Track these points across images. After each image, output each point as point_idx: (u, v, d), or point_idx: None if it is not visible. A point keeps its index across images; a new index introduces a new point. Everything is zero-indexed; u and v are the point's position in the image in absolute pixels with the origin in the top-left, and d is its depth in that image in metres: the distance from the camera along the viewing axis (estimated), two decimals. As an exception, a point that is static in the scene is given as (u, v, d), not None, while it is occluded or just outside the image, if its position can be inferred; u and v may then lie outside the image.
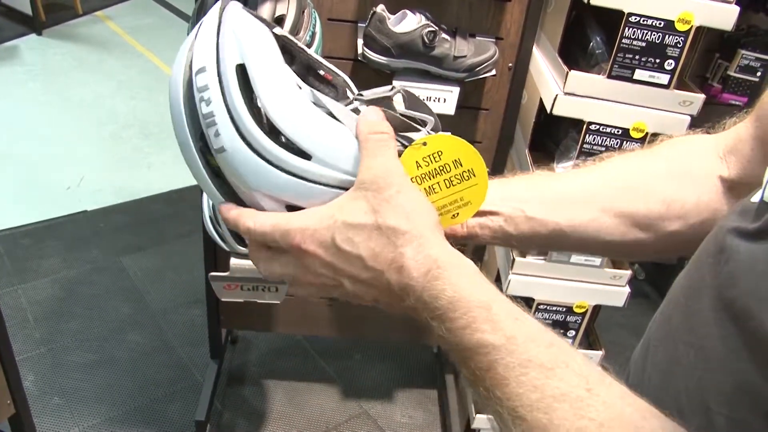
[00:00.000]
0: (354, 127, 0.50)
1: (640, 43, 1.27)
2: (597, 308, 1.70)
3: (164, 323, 2.34)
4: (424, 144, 0.52)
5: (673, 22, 1.24)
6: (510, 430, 0.43)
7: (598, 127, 1.37)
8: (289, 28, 1.02)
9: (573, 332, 1.66)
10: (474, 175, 0.53)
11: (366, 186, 0.48)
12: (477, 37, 1.46)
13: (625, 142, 1.38)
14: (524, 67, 1.50)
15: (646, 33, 1.26)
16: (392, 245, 0.47)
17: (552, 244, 0.68)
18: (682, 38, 1.26)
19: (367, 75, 1.49)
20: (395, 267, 0.47)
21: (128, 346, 2.23)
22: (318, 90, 0.57)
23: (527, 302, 1.60)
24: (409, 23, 1.37)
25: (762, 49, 1.73)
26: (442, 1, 1.46)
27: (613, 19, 1.26)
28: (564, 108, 1.36)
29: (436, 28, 1.36)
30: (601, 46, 1.38)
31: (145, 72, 4.12)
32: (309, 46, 1.08)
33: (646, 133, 1.37)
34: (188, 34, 0.53)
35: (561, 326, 1.64)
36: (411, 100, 0.56)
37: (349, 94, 0.56)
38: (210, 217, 1.25)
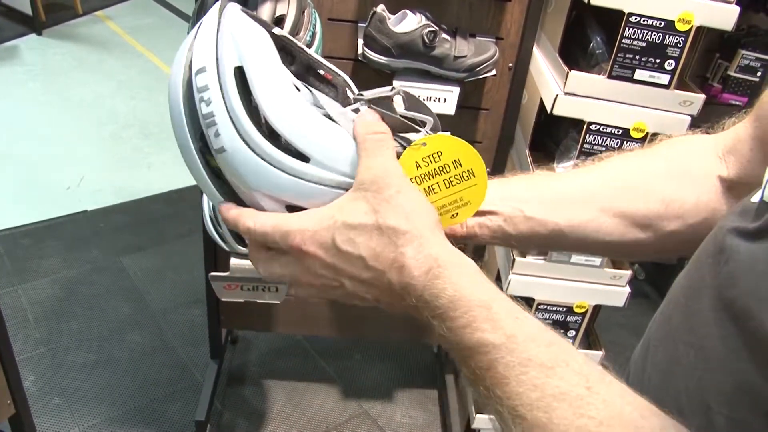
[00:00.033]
0: (351, 129, 0.51)
1: (640, 43, 1.27)
2: (597, 308, 1.70)
3: (164, 323, 2.34)
4: (424, 144, 0.52)
5: (674, 22, 1.24)
6: (510, 429, 0.43)
7: (598, 127, 1.37)
8: (290, 28, 1.02)
9: (573, 332, 1.66)
10: (473, 176, 0.54)
11: (366, 187, 0.48)
12: (477, 37, 1.46)
13: (625, 142, 1.38)
14: (524, 67, 1.50)
15: (647, 33, 1.26)
16: (393, 245, 0.47)
17: (551, 244, 0.68)
18: (683, 38, 1.26)
19: (368, 75, 1.49)
20: (396, 267, 0.47)
21: (128, 346, 2.23)
22: (318, 90, 0.57)
23: (527, 302, 1.60)
24: (409, 23, 1.37)
25: (762, 49, 1.73)
26: (442, 1, 1.46)
27: (614, 19, 1.26)
28: (564, 108, 1.36)
29: (437, 28, 1.36)
30: (602, 46, 1.38)
31: (145, 72, 4.12)
32: (309, 46, 1.08)
33: (647, 133, 1.37)
34: (188, 35, 0.53)
35: (561, 326, 1.64)
36: (410, 101, 0.56)
37: (349, 93, 0.56)
38: (210, 217, 1.25)
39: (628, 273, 1.56)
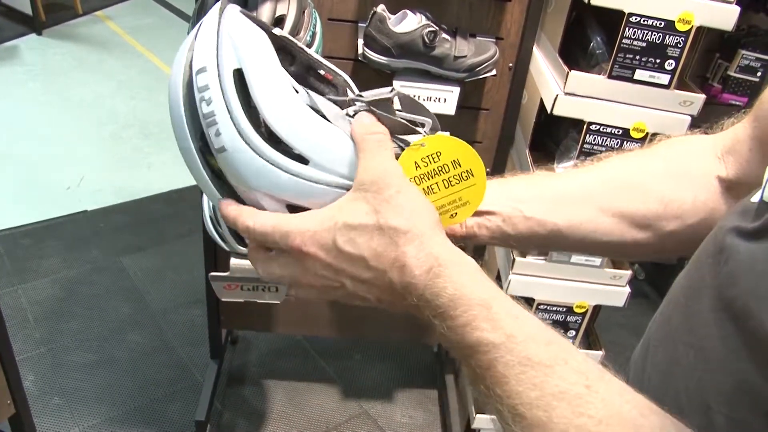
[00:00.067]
0: (350, 131, 0.51)
1: (640, 43, 1.27)
2: (597, 308, 1.70)
3: (164, 323, 2.34)
4: (423, 145, 0.52)
5: (674, 22, 1.24)
6: (510, 428, 0.44)
7: (598, 127, 1.37)
8: (290, 29, 1.02)
9: (573, 332, 1.66)
10: (472, 175, 0.54)
11: (366, 187, 0.48)
12: (477, 37, 1.46)
13: (625, 142, 1.38)
14: (524, 67, 1.50)
15: (647, 33, 1.26)
16: (394, 244, 0.47)
17: (550, 244, 0.68)
18: (683, 38, 1.26)
19: (368, 75, 1.49)
20: (398, 266, 0.47)
21: (128, 346, 2.23)
22: (318, 90, 0.57)
23: (527, 302, 1.60)
24: (409, 23, 1.37)
25: (762, 49, 1.73)
26: (442, 1, 1.46)
27: (614, 19, 1.26)
28: (564, 108, 1.36)
29: (437, 28, 1.36)
30: (602, 46, 1.38)
31: (145, 72, 4.12)
32: (309, 46, 1.08)
33: (647, 134, 1.37)
34: (188, 35, 0.53)
35: (561, 326, 1.64)
36: (409, 103, 0.56)
37: (349, 93, 0.56)
38: (210, 217, 1.25)
39: (628, 273, 1.56)
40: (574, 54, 1.43)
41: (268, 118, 0.48)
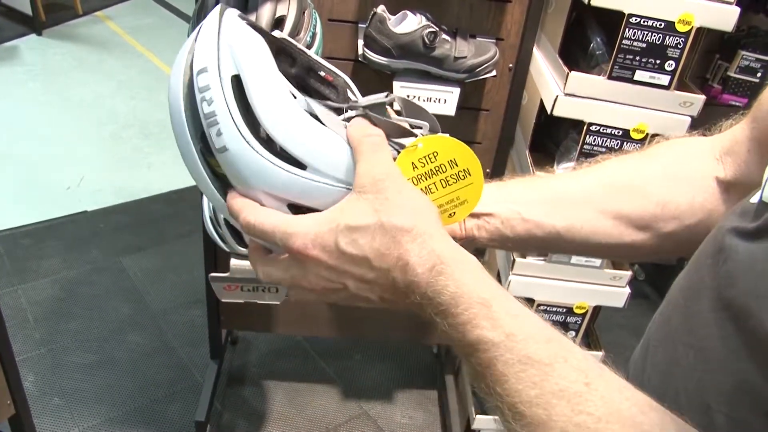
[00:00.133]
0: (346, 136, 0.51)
1: (640, 44, 1.27)
2: (597, 309, 1.70)
3: (164, 324, 2.34)
4: (420, 145, 0.52)
5: (674, 23, 1.24)
6: (511, 426, 0.44)
7: (598, 128, 1.37)
8: (290, 29, 1.02)
9: (573, 333, 1.66)
10: (469, 175, 0.54)
11: (366, 189, 0.48)
12: (477, 38, 1.46)
13: (625, 143, 1.38)
14: (524, 67, 1.50)
15: (647, 34, 1.26)
16: (397, 243, 0.47)
17: (549, 246, 0.68)
18: (683, 39, 1.26)
19: (368, 76, 1.49)
20: (401, 265, 0.47)
21: (128, 347, 2.23)
22: (319, 91, 0.57)
23: (527, 303, 1.60)
24: (409, 24, 1.37)
25: (762, 50, 1.73)
26: (442, 2, 1.46)
27: (614, 20, 1.26)
28: (564, 109, 1.36)
29: (437, 28, 1.36)
30: (602, 47, 1.39)
31: (145, 72, 4.13)
32: (309, 47, 1.08)
33: (647, 134, 1.37)
34: (188, 35, 0.53)
35: (561, 327, 1.62)
36: (410, 107, 0.56)
37: (349, 94, 0.56)
38: (210, 217, 1.25)
39: (628, 274, 1.57)
40: (574, 55, 1.43)
41: (265, 124, 0.48)
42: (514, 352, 0.44)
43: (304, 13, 1.06)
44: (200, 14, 1.03)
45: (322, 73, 0.57)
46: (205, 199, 1.29)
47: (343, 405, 2.14)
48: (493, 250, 1.82)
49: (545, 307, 1.62)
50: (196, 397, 1.92)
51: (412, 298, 0.48)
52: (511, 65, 1.54)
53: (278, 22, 1.02)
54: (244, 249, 1.22)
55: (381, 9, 1.36)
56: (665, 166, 0.67)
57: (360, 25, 1.46)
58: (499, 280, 1.66)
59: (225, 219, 1.15)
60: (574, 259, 1.53)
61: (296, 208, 0.51)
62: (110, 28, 4.71)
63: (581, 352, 0.45)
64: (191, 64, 0.50)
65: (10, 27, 4.42)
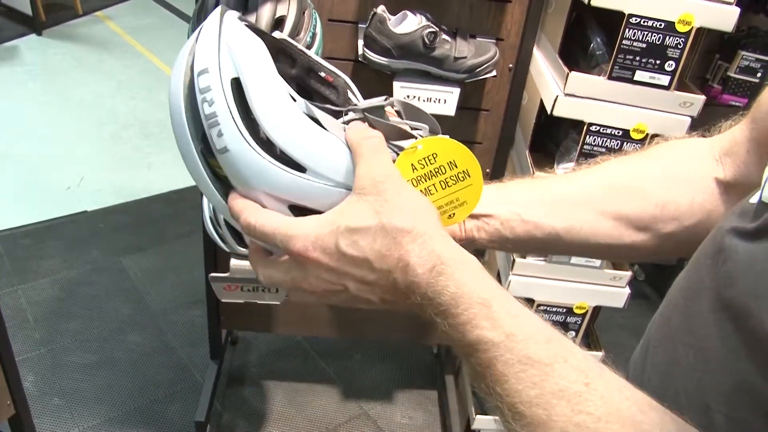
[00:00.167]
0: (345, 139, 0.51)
1: (640, 45, 1.27)
2: (597, 309, 1.70)
3: (164, 324, 2.34)
4: (419, 147, 0.52)
5: (674, 23, 1.24)
6: (511, 426, 0.44)
7: (598, 128, 1.37)
8: (290, 30, 1.02)
9: (573, 333, 1.66)
10: (469, 176, 0.54)
11: (366, 191, 0.48)
12: (477, 38, 1.46)
13: (625, 143, 1.38)
14: (525, 68, 1.50)
15: (647, 34, 1.26)
16: (397, 244, 0.47)
17: (548, 247, 0.68)
18: (683, 39, 1.26)
19: (368, 76, 1.49)
20: (401, 265, 0.47)
21: (128, 347, 2.23)
22: (319, 92, 0.57)
23: (527, 303, 1.60)
24: (409, 24, 1.37)
25: (762, 50, 1.73)
26: (442, 2, 1.46)
27: (614, 20, 1.26)
28: (564, 109, 1.36)
29: (437, 29, 1.36)
30: (602, 47, 1.39)
31: (145, 72, 4.13)
32: (309, 47, 1.08)
33: (647, 135, 1.37)
34: (189, 36, 0.53)
35: (561, 327, 1.62)
36: (410, 110, 0.56)
37: (350, 95, 0.57)
38: (210, 217, 1.25)
39: (628, 274, 1.57)
40: (574, 55, 1.43)
41: (265, 127, 0.48)
42: (514, 353, 0.44)
43: (304, 13, 1.06)
44: (200, 15, 1.03)
45: (323, 74, 0.57)
46: (205, 200, 1.29)
47: (343, 405, 2.14)
48: (493, 250, 1.82)
49: (545, 308, 1.62)
50: (196, 397, 1.92)
51: (413, 299, 0.48)
52: (511, 65, 1.54)
53: (278, 23, 1.02)
54: (244, 249, 1.22)
55: (381, 9, 1.36)
56: (665, 166, 0.67)
57: (360, 26, 1.46)
58: (499, 280, 1.66)
59: (225, 219, 1.16)
60: (574, 259, 1.53)
61: (298, 210, 0.51)
62: (110, 28, 4.71)
63: (581, 352, 0.45)
64: (192, 65, 0.50)
65: (10, 27, 4.42)
